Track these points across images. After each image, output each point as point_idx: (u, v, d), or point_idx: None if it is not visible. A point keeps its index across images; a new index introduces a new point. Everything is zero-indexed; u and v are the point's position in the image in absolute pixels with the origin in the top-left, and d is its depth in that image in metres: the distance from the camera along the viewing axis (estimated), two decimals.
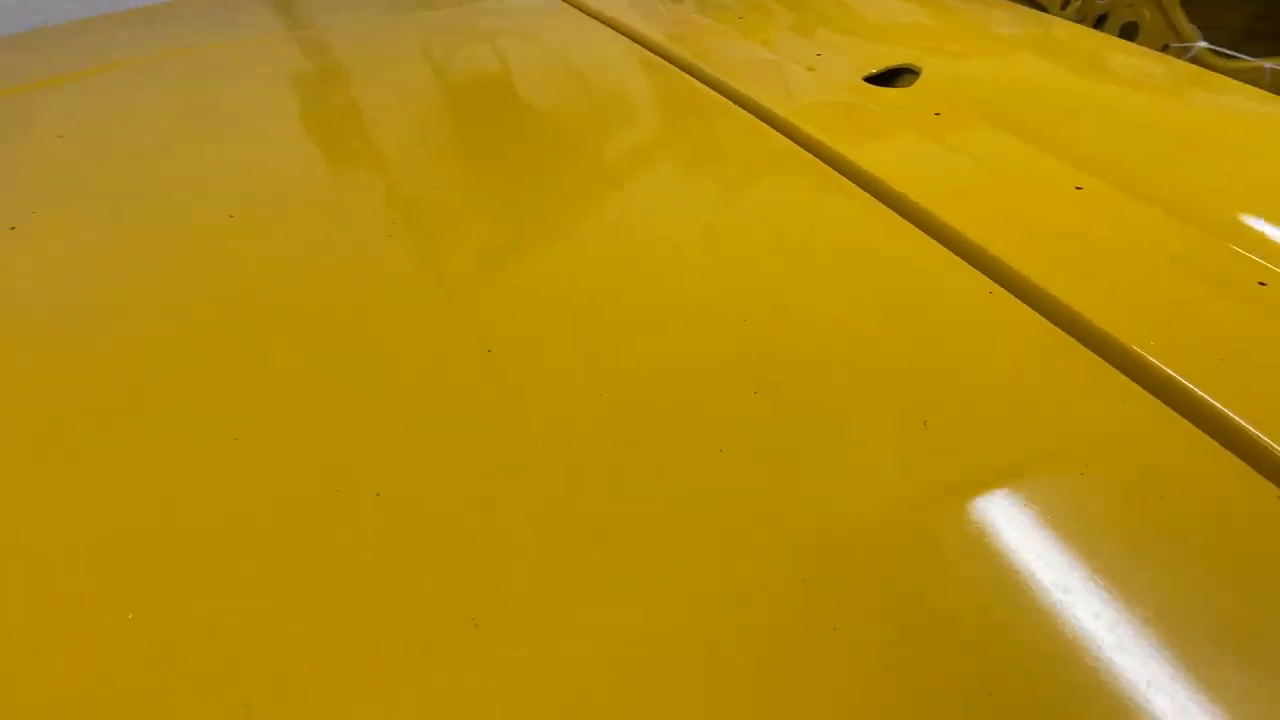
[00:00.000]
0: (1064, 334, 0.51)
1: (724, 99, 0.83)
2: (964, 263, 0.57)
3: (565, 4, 1.17)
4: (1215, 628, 0.36)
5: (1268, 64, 1.70)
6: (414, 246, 0.65)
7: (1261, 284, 0.53)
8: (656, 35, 1.00)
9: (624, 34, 1.04)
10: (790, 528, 0.41)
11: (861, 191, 0.66)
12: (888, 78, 0.83)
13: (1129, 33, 1.80)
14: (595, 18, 1.10)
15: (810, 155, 0.71)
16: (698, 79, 0.88)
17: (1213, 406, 0.45)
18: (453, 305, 0.58)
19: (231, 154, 0.81)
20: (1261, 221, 0.59)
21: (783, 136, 0.74)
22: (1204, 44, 1.80)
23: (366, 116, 0.87)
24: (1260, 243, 0.57)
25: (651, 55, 0.96)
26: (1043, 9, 1.66)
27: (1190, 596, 0.37)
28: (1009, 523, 0.41)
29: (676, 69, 0.92)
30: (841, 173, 0.68)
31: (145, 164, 0.80)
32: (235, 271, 0.62)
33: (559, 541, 0.41)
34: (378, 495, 0.44)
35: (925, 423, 0.46)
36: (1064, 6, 1.70)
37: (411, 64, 1.03)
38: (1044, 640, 0.36)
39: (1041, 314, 0.52)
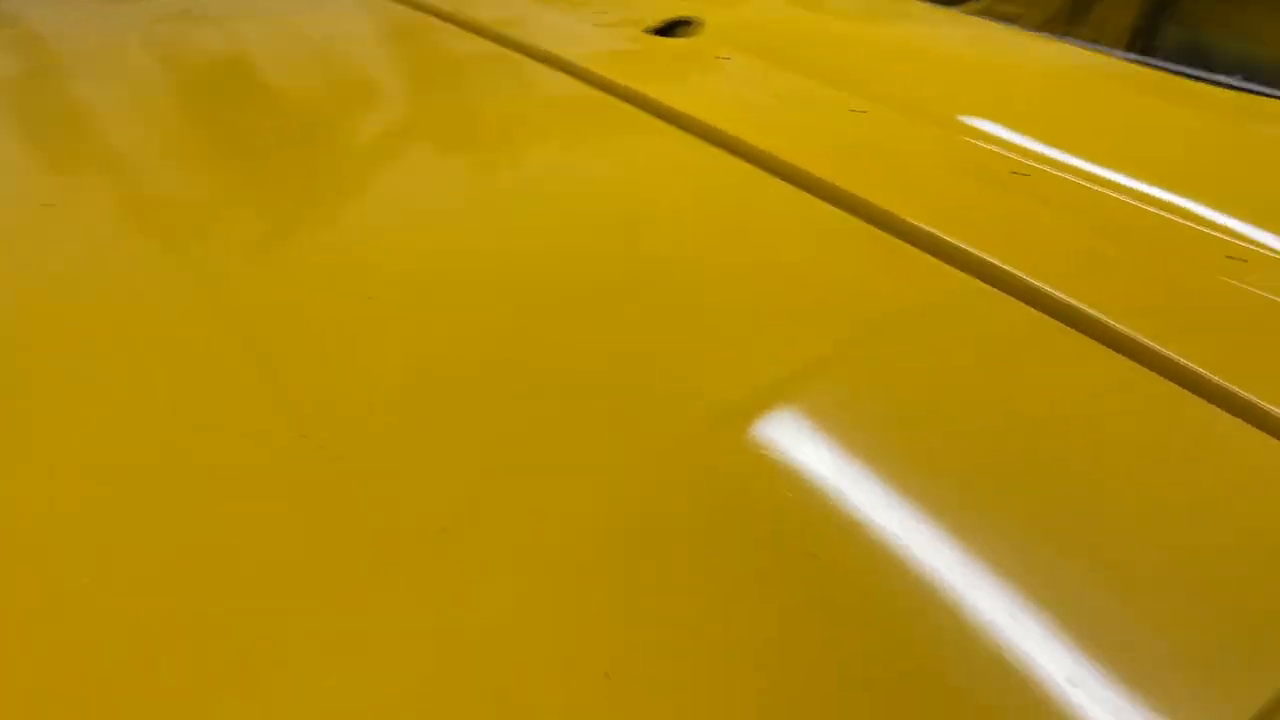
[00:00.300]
0: (872, 227, 0.59)
1: (522, 55, 0.86)
2: (773, 176, 0.65)
3: None
4: (1023, 470, 0.44)
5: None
6: (202, 245, 0.64)
7: (1017, 173, 0.64)
8: (433, 0, 1.02)
9: (397, 1, 1.04)
10: (644, 432, 0.45)
11: (669, 126, 0.72)
12: (669, 29, 0.89)
13: None
14: None
15: (618, 99, 0.76)
16: (491, 40, 0.91)
17: (1005, 270, 0.54)
18: (265, 297, 0.59)
19: None
20: (1006, 128, 0.71)
21: (589, 85, 0.79)
22: None
23: (105, 114, 0.83)
24: (1010, 144, 0.68)
25: (432, 19, 0.98)
26: None
27: (997, 446, 0.45)
28: (848, 391, 0.48)
29: (466, 31, 0.94)
30: (649, 111, 0.74)
31: None
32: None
33: (423, 496, 0.43)
34: (302, 436, 0.45)
35: (763, 316, 0.52)
36: None
37: (151, 55, 0.99)
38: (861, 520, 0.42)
39: (852, 213, 0.60)
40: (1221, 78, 0.93)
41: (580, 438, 0.44)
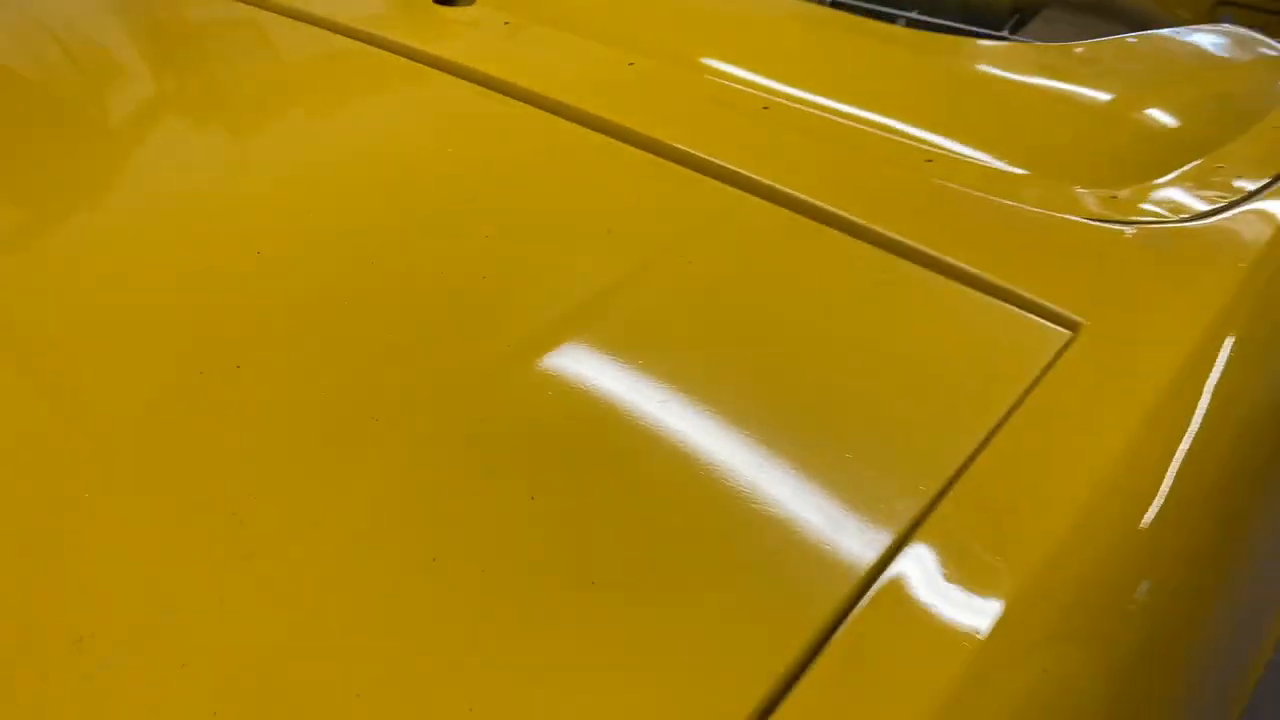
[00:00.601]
0: (654, 156, 0.72)
1: (306, 24, 0.93)
2: (565, 120, 0.76)
3: None
4: (778, 328, 0.59)
5: None
6: None
7: (765, 108, 0.79)
8: None
9: None
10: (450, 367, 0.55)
11: (465, 82, 0.82)
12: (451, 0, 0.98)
13: None
14: None
15: (413, 61, 0.85)
16: (274, 11, 0.96)
17: (763, 182, 0.69)
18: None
19: None
20: (752, 71, 0.86)
21: (382, 49, 0.87)
22: None
23: None
24: (756, 84, 0.83)
25: None
26: None
27: (757, 311, 0.60)
28: (652, 283, 0.61)
29: (247, 5, 0.99)
30: (444, 70, 0.83)
31: None
32: None
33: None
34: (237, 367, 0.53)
35: (571, 238, 0.64)
36: None
37: None
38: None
39: (635, 145, 0.73)
40: (908, 14, 1.12)
41: (409, 366, 0.54)
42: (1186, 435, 0.54)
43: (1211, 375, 0.58)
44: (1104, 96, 0.82)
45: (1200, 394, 0.57)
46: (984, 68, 0.83)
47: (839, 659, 0.41)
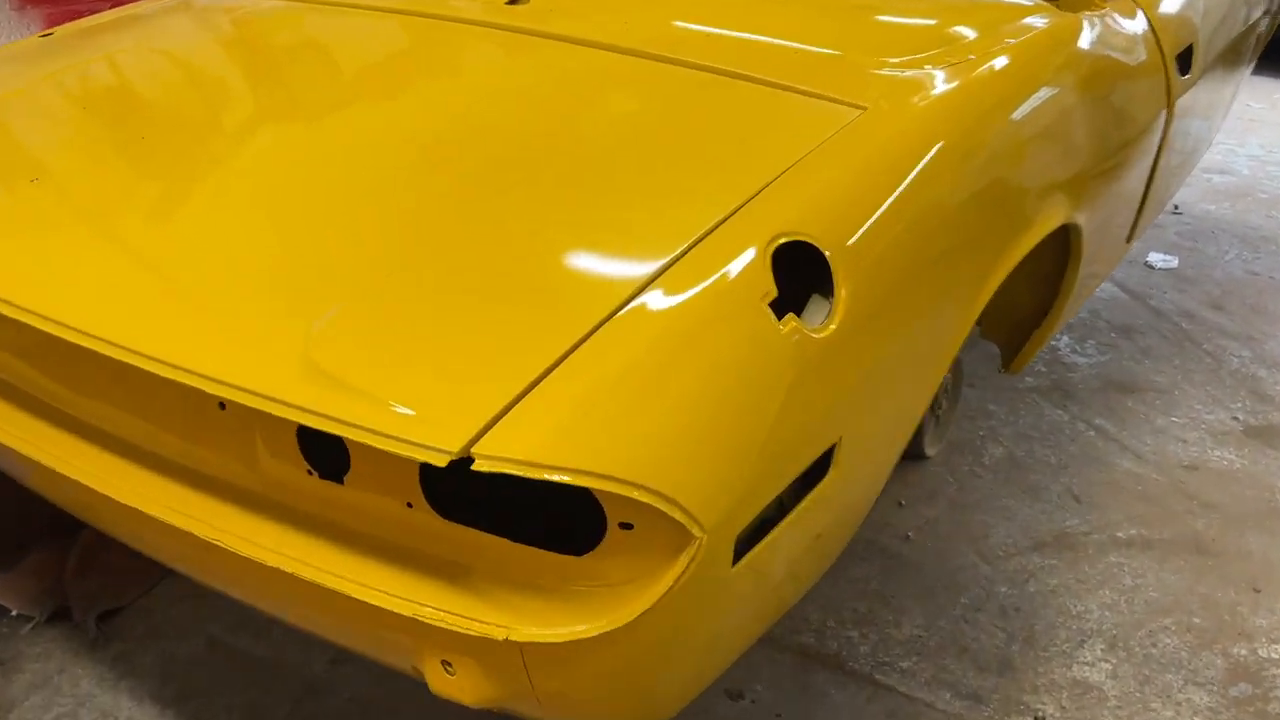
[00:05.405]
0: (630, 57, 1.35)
1: (422, 17, 1.55)
2: (581, 46, 1.39)
3: None
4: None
5: None
6: None
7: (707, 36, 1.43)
8: None
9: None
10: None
11: (527, 38, 1.44)
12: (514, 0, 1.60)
13: None
14: None
15: (499, 30, 1.47)
16: (397, 12, 1.59)
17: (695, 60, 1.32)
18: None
19: None
20: (687, 21, 1.50)
21: (487, 27, 1.50)
22: None
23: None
24: (697, 29, 1.48)
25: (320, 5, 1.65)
26: None
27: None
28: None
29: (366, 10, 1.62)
30: (516, 32, 1.46)
31: None
32: None
33: None
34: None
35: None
36: None
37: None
38: None
39: (621, 53, 1.36)
40: None
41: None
42: (912, 168, 1.16)
43: (929, 150, 1.18)
44: (902, 21, 1.51)
45: (922, 151, 1.19)
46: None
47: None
